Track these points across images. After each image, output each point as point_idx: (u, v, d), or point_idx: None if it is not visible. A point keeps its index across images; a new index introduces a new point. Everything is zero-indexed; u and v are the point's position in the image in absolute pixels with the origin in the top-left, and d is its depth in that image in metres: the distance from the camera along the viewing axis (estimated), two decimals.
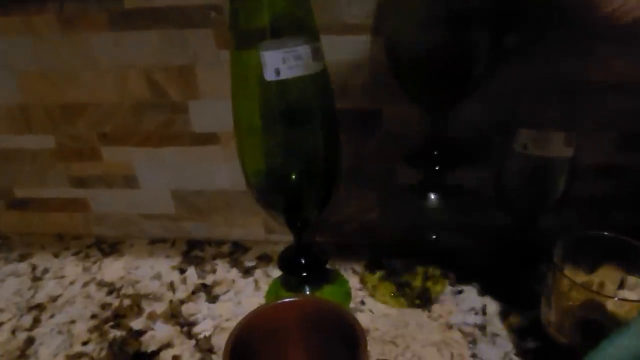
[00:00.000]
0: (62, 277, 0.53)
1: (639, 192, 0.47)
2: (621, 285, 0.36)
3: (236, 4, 0.34)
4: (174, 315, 0.46)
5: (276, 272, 0.51)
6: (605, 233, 0.34)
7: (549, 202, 0.41)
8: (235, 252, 0.55)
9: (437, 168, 0.37)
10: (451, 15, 0.31)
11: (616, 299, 0.30)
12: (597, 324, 0.33)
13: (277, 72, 0.32)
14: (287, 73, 0.33)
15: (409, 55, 0.34)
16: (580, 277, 0.36)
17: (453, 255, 0.50)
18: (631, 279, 0.35)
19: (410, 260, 0.48)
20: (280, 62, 0.32)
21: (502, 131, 0.40)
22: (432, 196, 0.40)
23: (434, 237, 0.41)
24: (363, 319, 0.44)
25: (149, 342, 0.43)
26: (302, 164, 0.39)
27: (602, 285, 0.36)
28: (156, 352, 0.42)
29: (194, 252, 0.55)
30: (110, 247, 0.57)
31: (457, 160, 0.39)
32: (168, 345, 0.43)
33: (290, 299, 0.35)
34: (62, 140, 0.52)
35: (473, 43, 0.32)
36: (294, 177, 0.40)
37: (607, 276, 0.36)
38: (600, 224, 0.49)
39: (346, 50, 0.43)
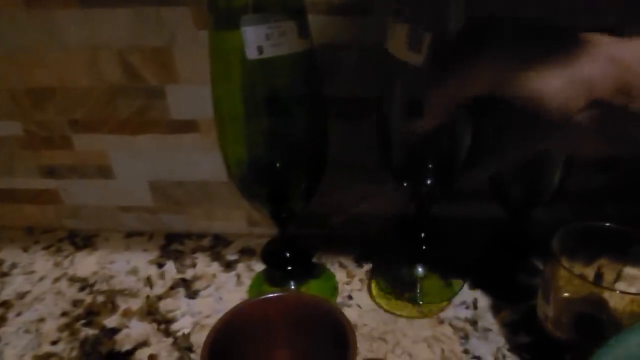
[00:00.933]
0: (31, 272, 0.50)
1: (631, 185, 0.46)
2: (618, 277, 0.34)
3: None
4: (150, 312, 0.44)
5: (259, 266, 0.48)
6: (605, 224, 0.33)
7: (545, 195, 0.39)
8: (217, 246, 0.52)
9: (424, 247, 0.41)
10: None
11: (617, 291, 0.29)
12: (595, 319, 0.32)
13: (260, 50, 0.30)
14: (271, 51, 0.30)
15: (395, 146, 0.35)
16: (578, 270, 0.35)
17: (444, 248, 0.48)
18: (629, 271, 0.33)
19: (400, 254, 0.46)
20: (264, 39, 0.30)
21: None
22: (420, 268, 0.43)
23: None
24: (351, 314, 0.42)
25: (124, 341, 0.41)
26: (287, 153, 0.37)
27: (600, 277, 0.34)
28: (131, 352, 0.40)
29: (172, 246, 0.53)
30: (83, 241, 0.54)
31: (442, 240, 0.42)
32: (144, 343, 0.40)
33: (276, 294, 0.32)
34: (29, 127, 0.49)
35: (457, 135, 0.33)
36: (278, 166, 0.37)
37: (605, 268, 0.34)
38: (593, 216, 0.48)
39: (334, 32, 0.41)
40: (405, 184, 0.37)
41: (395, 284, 0.44)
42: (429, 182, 0.36)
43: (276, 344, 0.33)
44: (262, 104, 0.35)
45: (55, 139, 0.49)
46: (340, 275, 0.47)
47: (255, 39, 0.30)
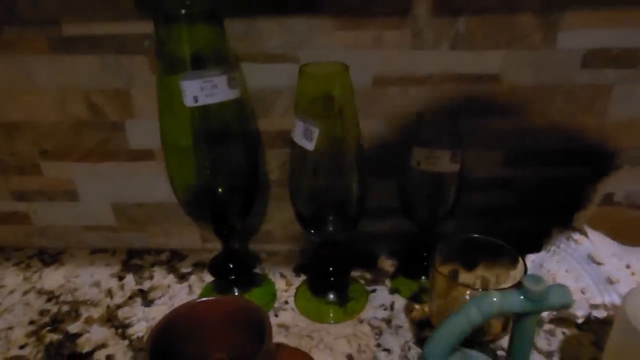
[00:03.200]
0: (2, 286, 0.55)
1: (524, 202, 0.54)
2: (497, 281, 0.42)
3: (161, 34, 0.38)
4: (109, 319, 0.50)
5: (210, 278, 0.55)
6: (479, 236, 0.40)
7: (443, 211, 0.47)
8: (173, 260, 0.58)
9: (332, 279, 0.50)
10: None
11: (469, 290, 0.37)
12: None
13: (195, 99, 0.37)
14: (205, 100, 0.38)
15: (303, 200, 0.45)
16: (462, 274, 0.43)
17: (370, 258, 0.56)
18: (502, 275, 0.41)
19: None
20: (199, 90, 0.37)
21: (403, 149, 0.47)
22: (331, 295, 0.51)
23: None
24: (286, 316, 0.49)
25: (84, 344, 0.47)
26: (226, 180, 0.44)
27: (485, 281, 0.42)
28: (90, 353, 0.46)
29: (133, 261, 0.59)
30: (51, 258, 0.60)
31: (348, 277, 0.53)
32: (103, 345, 0.46)
33: (208, 298, 0.39)
34: (2, 156, 0.54)
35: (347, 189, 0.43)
36: (220, 191, 0.44)
37: (485, 272, 0.42)
38: (493, 230, 0.56)
39: (269, 77, 0.48)
40: (312, 232, 0.46)
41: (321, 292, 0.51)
42: (330, 229, 0.45)
43: (212, 340, 0.39)
44: (202, 139, 0.42)
45: (26, 167, 0.55)
46: (280, 284, 0.54)
47: (191, 90, 0.37)
